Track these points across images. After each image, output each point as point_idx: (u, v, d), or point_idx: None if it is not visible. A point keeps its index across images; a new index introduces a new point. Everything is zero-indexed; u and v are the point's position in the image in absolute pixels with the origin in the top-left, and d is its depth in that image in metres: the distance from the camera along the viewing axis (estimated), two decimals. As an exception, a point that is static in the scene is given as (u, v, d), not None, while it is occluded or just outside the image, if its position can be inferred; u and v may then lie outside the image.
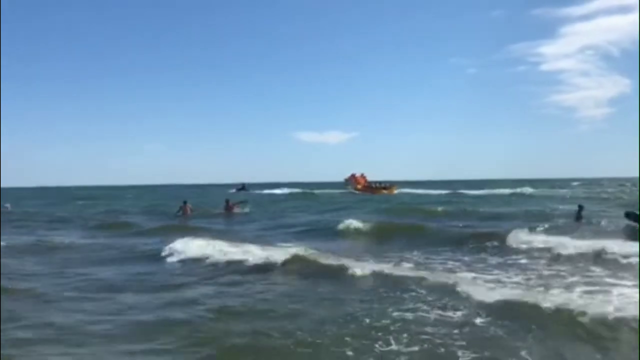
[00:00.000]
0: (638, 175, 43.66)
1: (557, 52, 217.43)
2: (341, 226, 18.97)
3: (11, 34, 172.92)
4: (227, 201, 28.57)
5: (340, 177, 63.66)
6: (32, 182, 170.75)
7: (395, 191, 54.84)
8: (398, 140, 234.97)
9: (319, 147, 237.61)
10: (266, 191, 67.52)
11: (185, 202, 26.86)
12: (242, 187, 72.86)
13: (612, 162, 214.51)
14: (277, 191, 67.34)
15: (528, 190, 55.63)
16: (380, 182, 58.56)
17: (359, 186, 56.66)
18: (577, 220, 19.58)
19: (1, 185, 69.64)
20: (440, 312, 7.02)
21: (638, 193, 31.58)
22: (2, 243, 14.78)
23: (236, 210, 27.66)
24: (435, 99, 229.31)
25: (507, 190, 54.77)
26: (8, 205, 38.14)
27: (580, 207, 20.56)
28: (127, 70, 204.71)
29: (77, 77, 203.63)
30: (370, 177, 60.82)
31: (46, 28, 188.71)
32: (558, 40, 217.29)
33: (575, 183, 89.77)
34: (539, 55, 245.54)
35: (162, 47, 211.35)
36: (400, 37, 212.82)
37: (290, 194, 61.10)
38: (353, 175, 58.98)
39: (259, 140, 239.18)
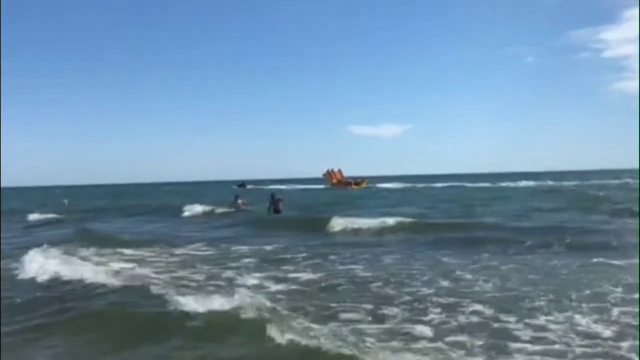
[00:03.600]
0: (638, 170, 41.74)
1: (621, 38, 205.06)
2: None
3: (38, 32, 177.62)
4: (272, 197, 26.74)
5: (396, 170, 64.18)
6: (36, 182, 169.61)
7: (365, 185, 57.22)
8: (453, 132, 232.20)
9: (373, 141, 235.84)
10: (252, 186, 70.94)
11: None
12: (242, 184, 76.72)
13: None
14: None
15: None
16: (355, 178, 59.94)
17: (335, 181, 58.22)
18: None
19: (6, 185, 70.89)
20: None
21: (638, 190, 30.78)
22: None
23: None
24: (492, 89, 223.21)
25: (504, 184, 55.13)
26: (65, 201, 38.64)
27: None
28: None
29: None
30: (423, 170, 60.27)
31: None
32: (621, 25, 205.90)
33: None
34: (601, 41, 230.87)
35: (216, 41, 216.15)
36: (454, 26, 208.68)
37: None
38: (329, 171, 60.36)
39: (312, 135, 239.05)
